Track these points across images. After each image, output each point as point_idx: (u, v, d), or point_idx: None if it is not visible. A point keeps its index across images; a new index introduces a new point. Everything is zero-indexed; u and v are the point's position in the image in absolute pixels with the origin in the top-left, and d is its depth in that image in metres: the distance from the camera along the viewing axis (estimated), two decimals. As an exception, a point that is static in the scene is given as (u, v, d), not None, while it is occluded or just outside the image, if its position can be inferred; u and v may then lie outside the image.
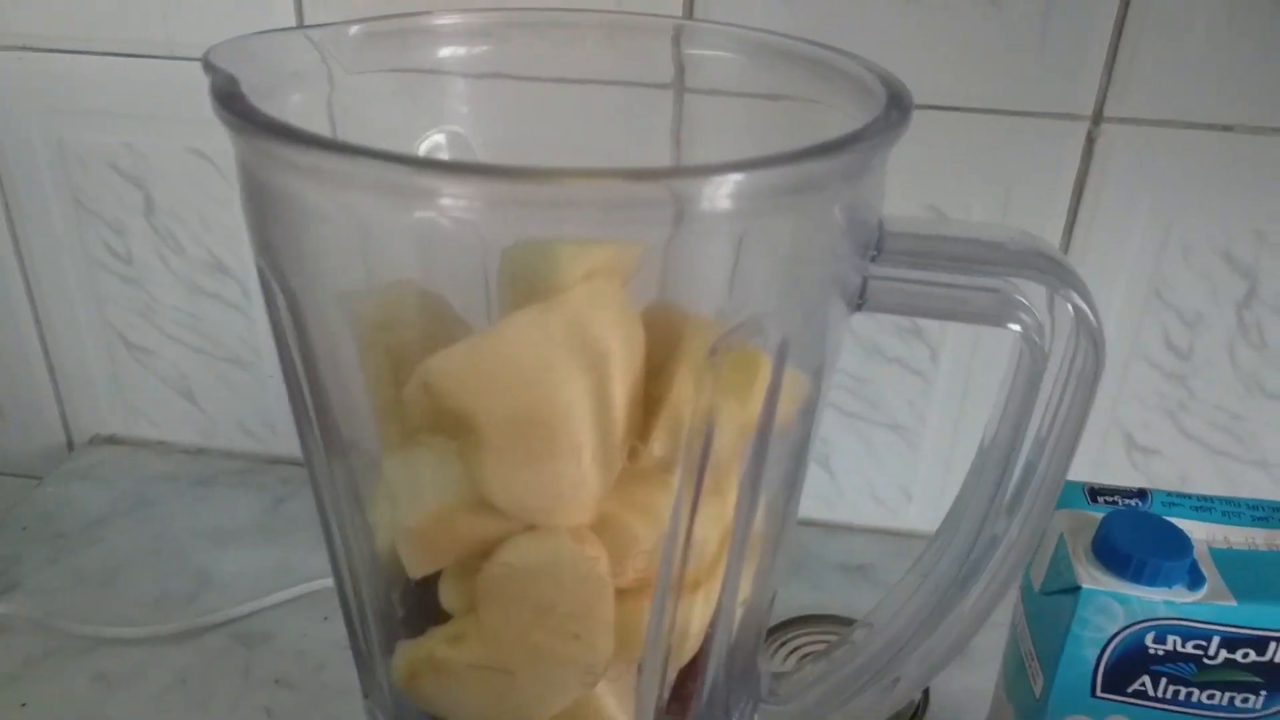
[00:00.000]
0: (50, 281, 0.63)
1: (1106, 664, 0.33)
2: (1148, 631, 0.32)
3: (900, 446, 0.60)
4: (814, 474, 0.61)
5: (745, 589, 0.26)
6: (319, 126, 0.21)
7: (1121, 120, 0.50)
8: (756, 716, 0.30)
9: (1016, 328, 0.24)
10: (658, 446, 0.21)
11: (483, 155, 0.31)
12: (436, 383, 0.20)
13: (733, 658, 0.27)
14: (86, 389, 0.67)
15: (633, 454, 0.22)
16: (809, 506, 0.62)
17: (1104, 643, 0.32)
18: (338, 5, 0.53)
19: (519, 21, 0.33)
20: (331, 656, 0.52)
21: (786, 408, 0.23)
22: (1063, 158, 0.51)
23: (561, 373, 0.20)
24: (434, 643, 0.24)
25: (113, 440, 0.68)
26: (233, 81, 0.21)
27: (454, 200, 0.19)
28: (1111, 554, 0.33)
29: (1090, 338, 0.24)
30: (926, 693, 0.42)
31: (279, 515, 0.62)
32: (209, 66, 0.22)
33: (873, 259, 0.23)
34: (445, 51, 0.31)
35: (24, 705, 0.49)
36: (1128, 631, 0.32)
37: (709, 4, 0.50)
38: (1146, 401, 0.56)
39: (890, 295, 0.24)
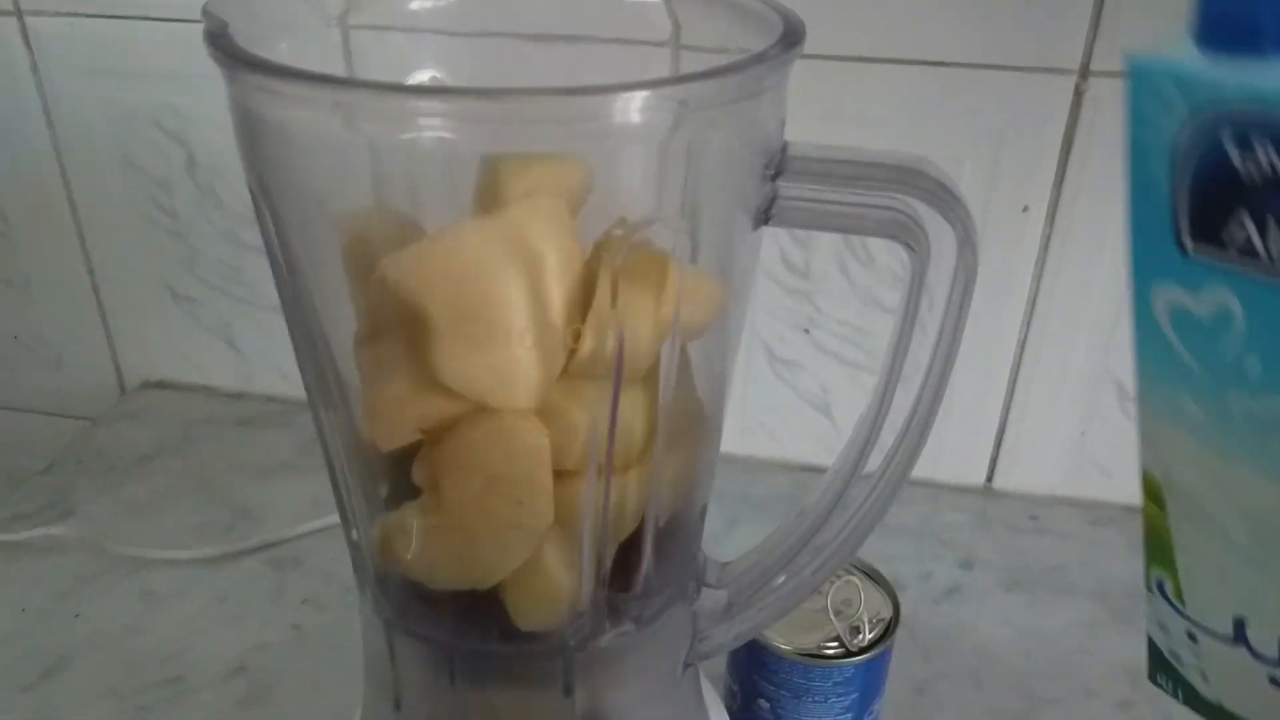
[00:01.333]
0: (102, 236, 0.68)
1: (1184, 189, 0.21)
2: (1222, 126, 0.20)
3: (899, 394, 0.62)
4: (815, 421, 0.64)
5: (672, 473, 0.29)
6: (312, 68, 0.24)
7: (1108, 74, 0.52)
8: (698, 597, 0.33)
9: (907, 242, 0.27)
10: (586, 341, 0.25)
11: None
12: (392, 277, 0.24)
13: (670, 538, 0.30)
14: (137, 337, 0.72)
15: (573, 348, 0.25)
16: (810, 452, 0.65)
17: (1170, 150, 0.21)
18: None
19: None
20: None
21: (699, 309, 0.27)
22: (1052, 111, 0.53)
23: (496, 270, 0.23)
24: (405, 512, 0.28)
25: (161, 385, 0.73)
26: (223, 25, 0.24)
27: (417, 119, 0.23)
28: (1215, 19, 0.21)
29: (966, 259, 0.27)
30: (897, 612, 0.45)
31: (311, 453, 0.66)
32: (206, 13, 0.25)
33: (774, 177, 0.26)
34: (439, 5, 0.34)
35: (76, 616, 0.54)
36: (1193, 127, 0.20)
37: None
38: (1137, 351, 0.58)
39: (793, 211, 0.27)
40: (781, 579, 0.32)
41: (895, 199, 0.26)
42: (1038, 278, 0.57)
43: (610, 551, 0.29)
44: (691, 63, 0.35)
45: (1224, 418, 0.24)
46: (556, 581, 0.28)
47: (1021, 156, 0.54)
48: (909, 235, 0.27)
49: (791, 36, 0.24)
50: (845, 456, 0.32)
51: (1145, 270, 0.24)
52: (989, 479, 0.64)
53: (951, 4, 0.51)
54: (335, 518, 0.59)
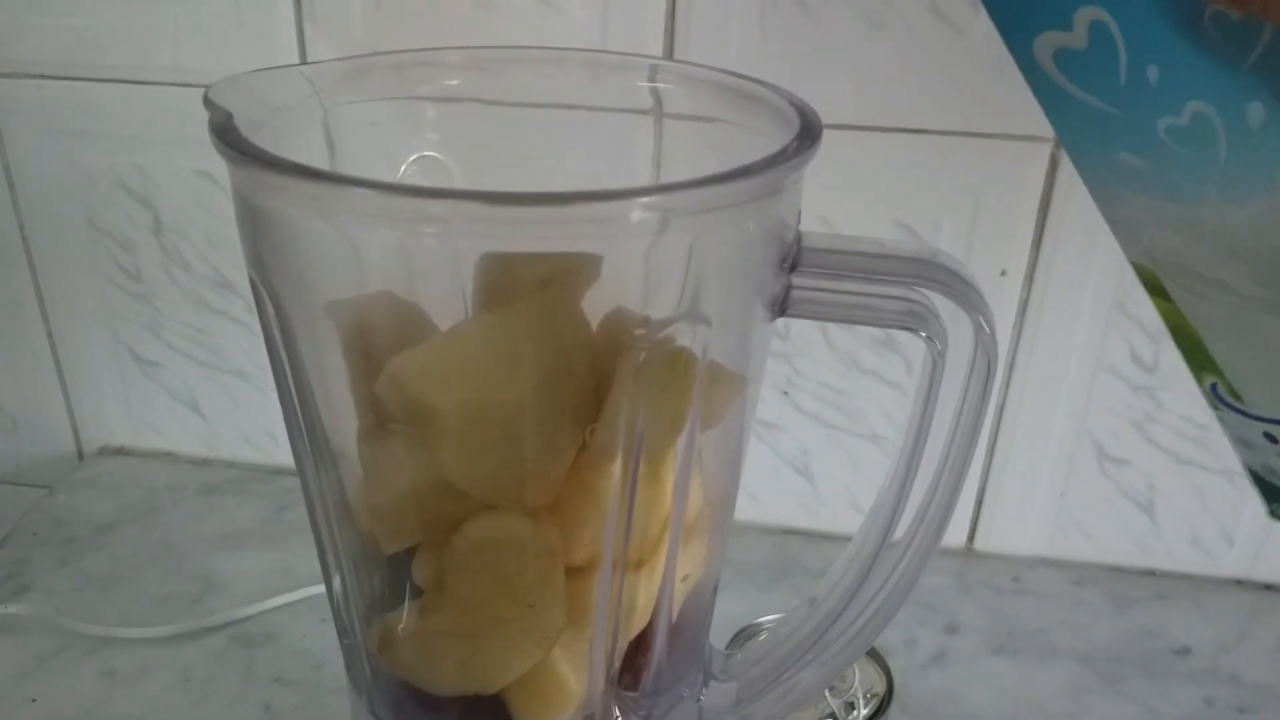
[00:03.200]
0: (63, 298, 0.66)
1: None
2: None
3: (878, 456, 0.62)
4: (795, 483, 0.63)
5: (687, 567, 0.28)
6: (311, 154, 0.23)
7: (1084, 142, 0.52)
8: (705, 691, 0.32)
9: (922, 333, 0.26)
10: (601, 436, 0.24)
11: (466, 180, 0.34)
12: (403, 377, 0.23)
13: (679, 633, 0.29)
14: (96, 401, 0.69)
15: (585, 443, 0.24)
16: (791, 515, 0.64)
17: None
18: (338, 33, 0.55)
19: (506, 58, 0.36)
20: (329, 656, 0.54)
21: (717, 402, 0.26)
22: (1027, 177, 0.54)
23: (511, 370, 0.23)
24: (408, 614, 0.26)
25: (121, 451, 0.71)
26: (228, 116, 0.23)
27: (423, 220, 0.22)
28: None
29: (984, 343, 0.26)
30: (891, 687, 0.44)
31: (280, 522, 0.64)
32: (208, 103, 0.24)
33: (791, 270, 0.26)
34: (435, 84, 0.34)
35: (34, 700, 0.51)
36: None
37: (689, 38, 0.53)
38: (1115, 413, 0.58)
39: (808, 303, 0.26)
40: (793, 671, 0.31)
41: (911, 290, 0.26)
42: (1015, 340, 0.57)
43: (621, 649, 0.28)
44: (679, 131, 0.35)
45: (1158, 150, 0.23)
46: (565, 684, 0.27)
47: (998, 221, 0.55)
48: (925, 326, 0.26)
49: (811, 131, 0.24)
50: (860, 547, 0.31)
51: (1019, 30, 0.25)
52: (970, 540, 0.64)
53: (929, 74, 0.52)
54: (307, 590, 0.57)
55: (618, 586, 0.26)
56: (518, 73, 0.36)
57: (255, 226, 0.24)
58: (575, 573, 0.25)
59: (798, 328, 0.59)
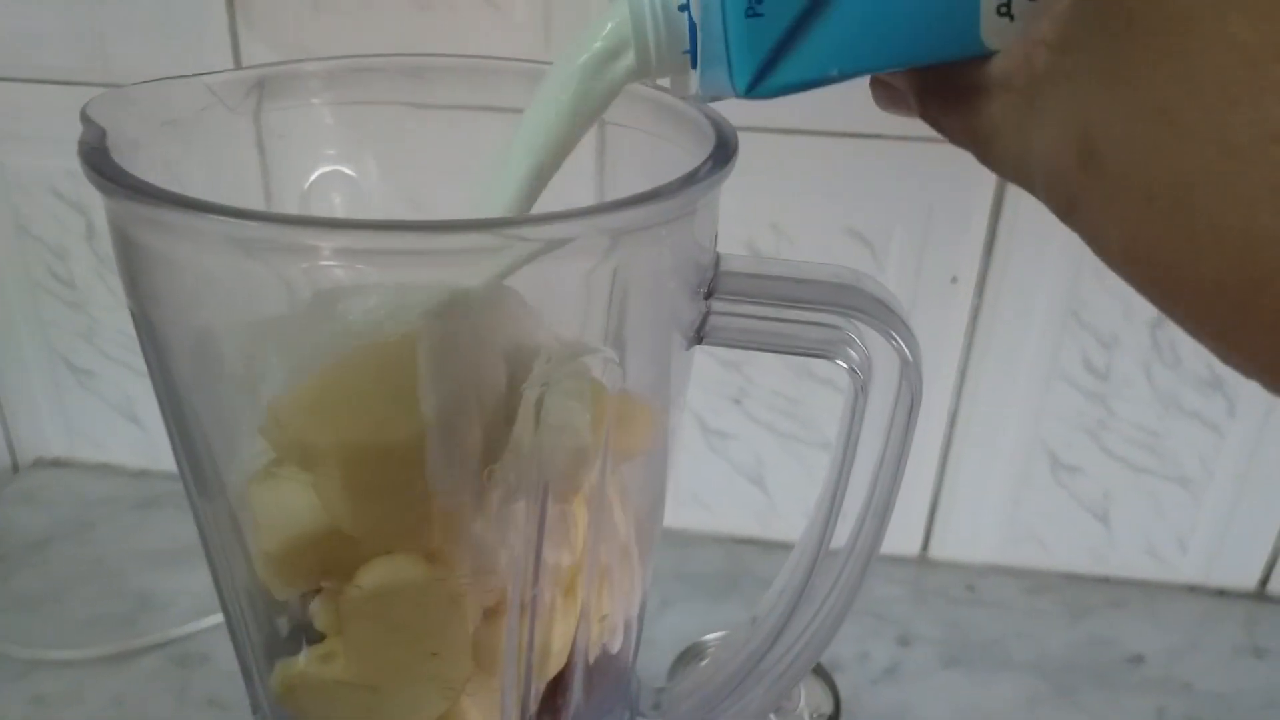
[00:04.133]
0: (-6, 305, 0.64)
1: None
2: None
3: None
4: (749, 493, 0.62)
5: (605, 606, 0.27)
6: (204, 171, 0.22)
7: (1034, 148, 0.51)
8: (632, 730, 0.31)
9: (843, 363, 0.25)
10: (502, 476, 0.23)
11: (381, 192, 0.32)
12: (286, 419, 0.21)
13: (600, 673, 0.28)
14: (30, 412, 0.67)
15: (490, 480, 0.23)
16: (744, 524, 0.63)
17: None
18: (272, 35, 0.54)
19: (440, 66, 0.34)
20: None
21: (631, 436, 0.25)
22: (980, 183, 0.53)
23: (400, 407, 0.21)
24: (306, 661, 0.25)
25: (57, 463, 0.69)
26: (101, 136, 0.22)
27: (322, 253, 0.21)
28: None
29: (909, 375, 0.25)
30: (838, 705, 0.43)
31: (220, 536, 0.63)
32: (84, 119, 0.23)
33: (707, 296, 0.24)
34: (357, 91, 0.32)
35: (-43, 728, 0.49)
36: None
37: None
38: (1068, 420, 0.58)
39: (727, 330, 0.25)
40: (729, 703, 0.30)
41: (834, 317, 0.25)
42: (967, 348, 0.57)
43: (536, 693, 0.26)
44: (614, 137, 0.34)
45: None
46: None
47: (949, 227, 0.54)
48: (846, 355, 0.25)
49: (724, 151, 0.23)
50: (796, 567, 0.30)
51: None
52: (924, 548, 0.63)
53: (879, 76, 0.51)
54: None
55: (528, 630, 0.25)
56: (449, 80, 0.34)
57: (127, 253, 0.23)
58: (482, 617, 0.24)
59: (748, 335, 0.58)
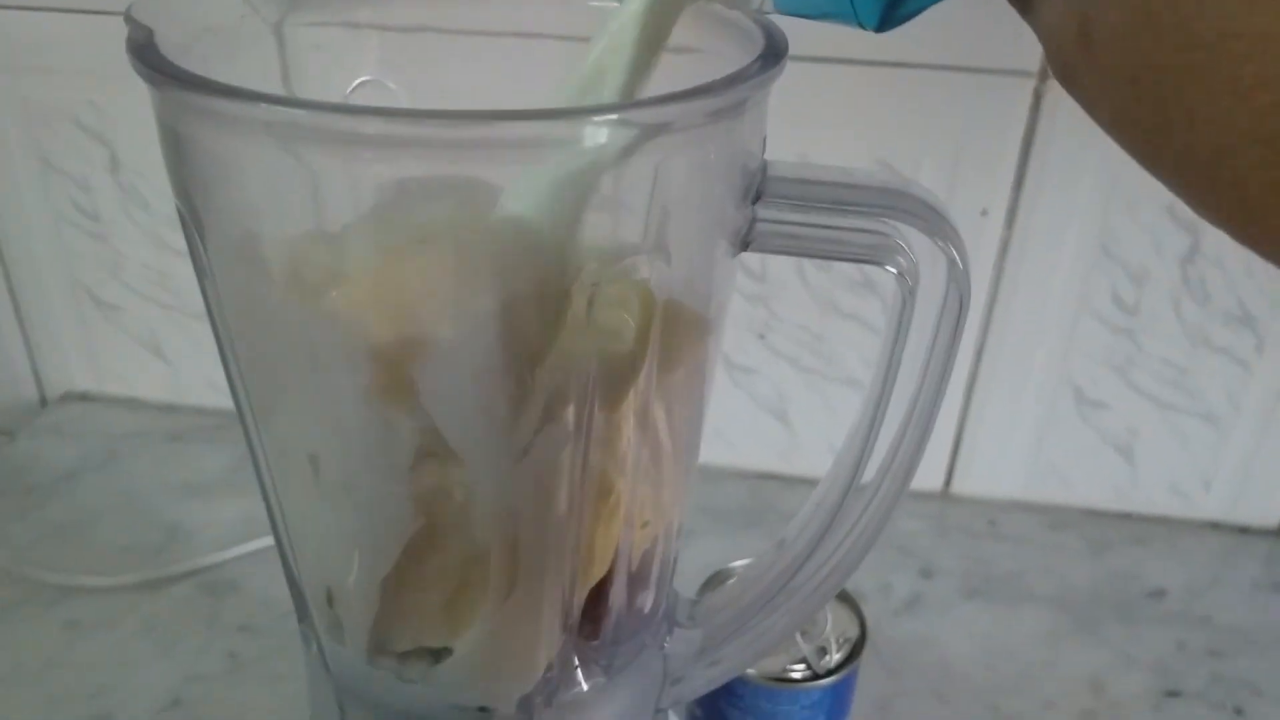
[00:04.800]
0: (19, 240, 0.64)
1: None
2: None
3: (855, 401, 0.61)
4: (772, 428, 0.62)
5: (648, 514, 0.27)
6: (242, 77, 0.22)
7: (1068, 77, 0.51)
8: (670, 639, 0.31)
9: (892, 269, 0.25)
10: (555, 374, 0.23)
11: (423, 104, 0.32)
12: (341, 309, 0.21)
13: (641, 581, 0.28)
14: (57, 346, 0.68)
15: (540, 380, 0.23)
16: (767, 460, 0.63)
17: None
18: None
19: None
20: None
21: (677, 344, 0.25)
22: (1011, 114, 0.52)
23: (470, 296, 0.21)
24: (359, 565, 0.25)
25: (85, 397, 0.69)
26: (149, 34, 0.22)
27: (369, 145, 0.20)
28: None
29: (957, 279, 0.25)
30: (864, 631, 0.43)
31: (247, 469, 0.63)
32: (129, 19, 0.22)
33: (755, 201, 0.24)
34: (387, 9, 0.32)
35: (-5, 650, 0.50)
36: None
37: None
38: (1095, 356, 0.58)
39: (774, 237, 0.25)
40: (761, 617, 0.31)
41: (881, 223, 0.25)
42: (996, 282, 0.56)
43: (580, 598, 0.27)
44: (670, 63, 0.33)
45: None
46: (521, 635, 0.26)
47: (980, 159, 0.54)
48: (894, 260, 0.25)
49: (774, 51, 0.23)
50: (828, 490, 0.30)
51: None
52: (947, 484, 0.63)
53: (911, 4, 0.50)
54: (273, 538, 0.56)
55: (574, 534, 0.25)
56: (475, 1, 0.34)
57: (177, 151, 0.23)
58: (529, 520, 0.24)
59: (774, 269, 0.58)
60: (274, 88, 0.25)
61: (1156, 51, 0.16)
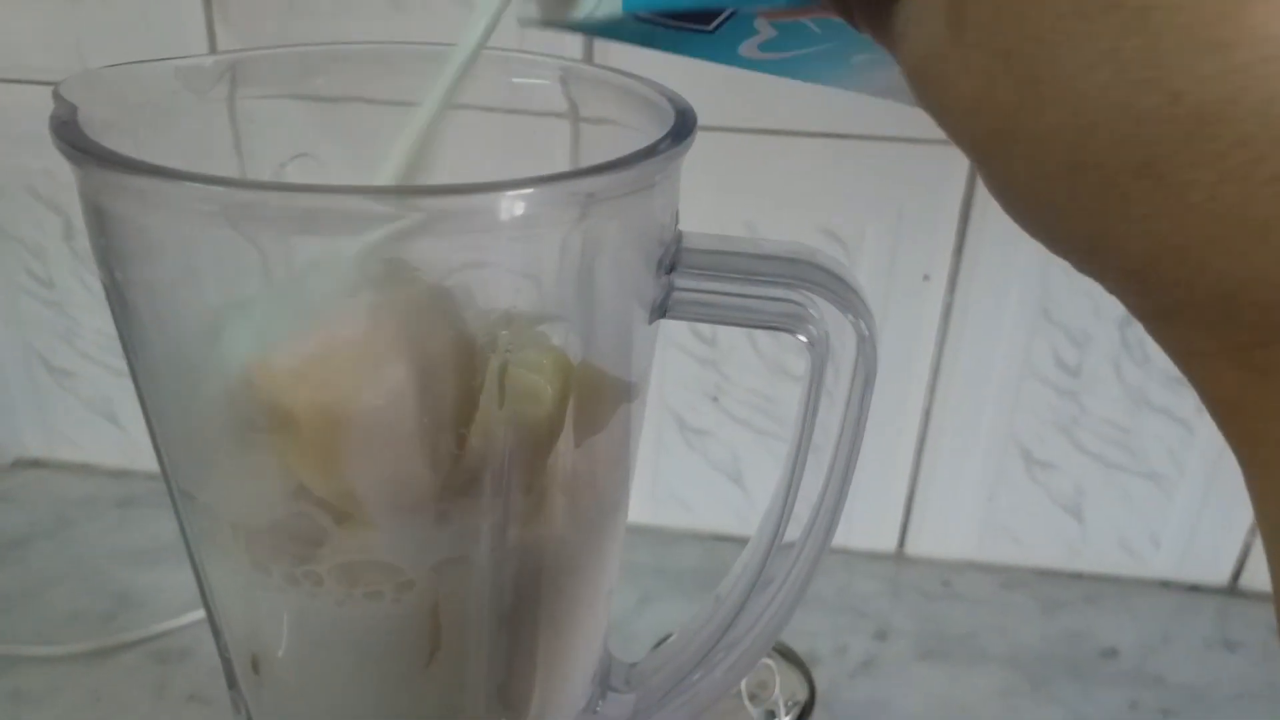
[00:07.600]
0: (-28, 306, 0.64)
1: None
2: None
3: (809, 461, 0.61)
4: (727, 490, 0.63)
5: (574, 577, 0.28)
6: (169, 153, 0.22)
7: (1004, 146, 0.52)
8: (602, 703, 0.31)
9: (803, 338, 0.26)
10: (474, 440, 0.23)
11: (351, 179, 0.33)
12: (258, 379, 0.22)
13: (569, 647, 0.28)
14: (8, 412, 0.67)
15: (457, 454, 0.23)
16: (723, 521, 0.64)
17: None
18: (249, 33, 0.54)
19: (407, 53, 0.35)
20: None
21: (596, 408, 0.25)
22: (950, 181, 0.54)
23: (383, 367, 0.22)
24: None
25: (36, 463, 0.69)
26: (72, 110, 0.22)
27: (296, 218, 0.21)
28: None
29: (864, 350, 0.26)
30: (813, 694, 0.43)
31: (199, 535, 0.63)
32: (56, 97, 0.23)
33: (670, 271, 0.25)
34: (328, 80, 0.32)
35: (-68, 724, 0.49)
36: None
37: (608, 48, 0.52)
38: (1041, 417, 0.58)
39: (691, 305, 0.26)
40: (696, 675, 0.31)
41: (794, 291, 0.26)
42: (940, 344, 0.57)
43: (505, 667, 0.27)
44: (587, 134, 0.34)
45: None
46: (445, 713, 0.26)
47: (921, 226, 0.55)
48: (806, 330, 0.26)
49: (682, 129, 0.24)
50: (755, 546, 0.30)
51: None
52: (901, 545, 0.63)
53: (851, 76, 0.52)
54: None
55: (498, 599, 0.25)
56: (415, 70, 0.35)
57: (98, 226, 0.23)
58: (450, 585, 0.24)
59: (724, 334, 0.59)
60: (205, 163, 0.26)
61: (1035, 24, 0.16)
